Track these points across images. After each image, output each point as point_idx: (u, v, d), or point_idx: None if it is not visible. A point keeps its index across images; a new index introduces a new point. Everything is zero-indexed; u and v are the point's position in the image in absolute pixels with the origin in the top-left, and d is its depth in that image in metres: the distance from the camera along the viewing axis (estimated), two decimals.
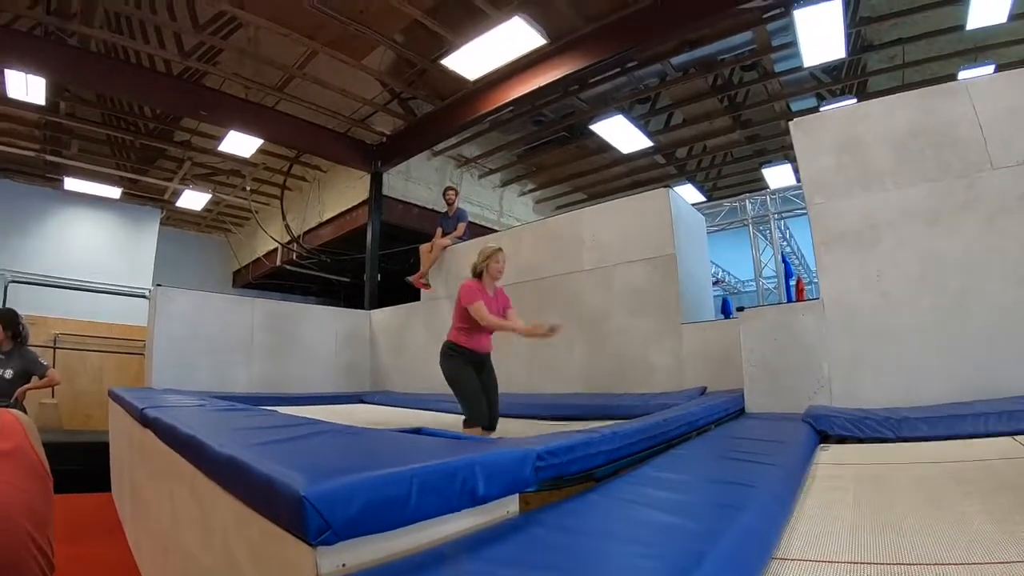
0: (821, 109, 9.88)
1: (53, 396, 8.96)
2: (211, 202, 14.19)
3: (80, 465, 5.66)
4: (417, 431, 2.25)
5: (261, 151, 11.38)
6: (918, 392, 3.77)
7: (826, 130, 4.54)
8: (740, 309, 4.89)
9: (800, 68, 8.99)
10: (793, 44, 7.94)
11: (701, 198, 14.04)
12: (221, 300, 7.74)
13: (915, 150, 4.09)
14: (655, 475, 2.10)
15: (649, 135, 11.05)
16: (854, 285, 4.19)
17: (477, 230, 8.83)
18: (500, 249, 4.40)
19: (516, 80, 8.44)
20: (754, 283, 13.80)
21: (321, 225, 13.37)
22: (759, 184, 13.85)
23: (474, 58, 7.56)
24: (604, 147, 11.70)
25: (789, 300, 11.53)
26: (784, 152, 12.38)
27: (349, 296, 15.06)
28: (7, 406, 4.73)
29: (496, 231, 11.62)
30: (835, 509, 1.91)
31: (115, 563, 3.34)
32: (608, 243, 6.25)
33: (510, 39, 7.12)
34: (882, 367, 4.01)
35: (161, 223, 14.54)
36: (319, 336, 8.39)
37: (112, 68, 8.51)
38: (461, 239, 8.01)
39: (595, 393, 5.81)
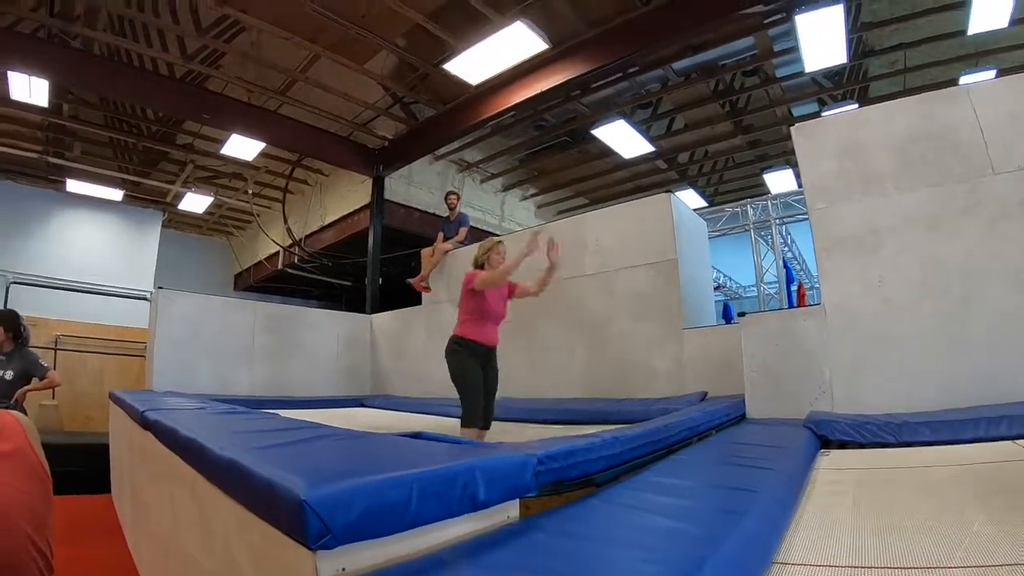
0: (823, 114, 9.86)
1: (54, 397, 8.96)
2: (213, 205, 14.22)
3: (80, 467, 5.66)
4: (416, 435, 2.24)
5: (263, 155, 11.39)
6: (919, 397, 3.76)
7: (828, 135, 4.54)
8: (741, 314, 4.88)
9: (802, 73, 8.99)
10: (795, 49, 7.95)
11: (703, 203, 14.06)
12: (222, 303, 7.74)
13: (916, 155, 4.09)
14: (656, 480, 2.10)
15: (651, 140, 11.06)
16: (855, 290, 4.19)
17: (478, 234, 8.82)
18: (501, 241, 4.49)
19: (518, 85, 8.45)
20: (755, 288, 13.82)
21: (323, 229, 13.39)
22: (760, 189, 13.86)
23: (476, 63, 7.56)
24: (606, 152, 11.71)
25: (790, 305, 11.53)
26: (786, 157, 12.37)
27: (350, 300, 15.08)
28: (7, 407, 4.73)
29: (498, 236, 11.62)
30: (836, 513, 1.90)
31: (115, 565, 3.34)
32: (610, 248, 6.25)
33: (512, 44, 7.12)
34: (883, 372, 4.00)
35: (163, 225, 14.56)
36: (320, 339, 8.39)
37: (115, 71, 8.54)
38: (463, 244, 8.01)
39: (596, 398, 5.80)
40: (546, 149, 12.45)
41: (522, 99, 8.49)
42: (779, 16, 7.54)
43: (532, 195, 15.11)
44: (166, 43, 8.50)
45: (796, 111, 10.88)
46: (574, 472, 2.02)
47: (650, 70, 9.42)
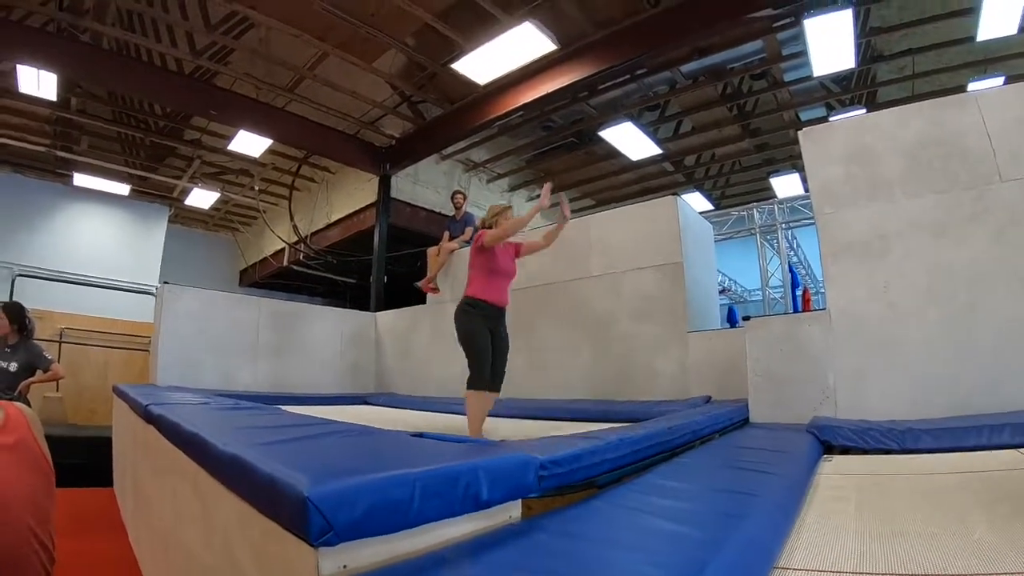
0: (830, 119, 9.85)
1: (58, 390, 9.00)
2: (219, 201, 14.27)
3: (83, 459, 5.68)
4: (419, 436, 2.24)
5: (270, 151, 11.42)
6: (924, 404, 3.75)
7: (835, 140, 4.52)
8: (746, 318, 4.87)
9: (810, 78, 8.97)
10: (803, 53, 7.93)
11: (709, 206, 14.04)
12: (227, 299, 7.75)
13: (924, 161, 4.08)
14: (659, 483, 2.09)
15: (658, 142, 11.05)
16: (861, 296, 4.17)
17: None
18: (510, 207, 4.48)
19: (526, 85, 8.46)
20: (760, 292, 13.79)
21: (329, 226, 13.41)
22: (767, 193, 13.83)
23: (484, 62, 7.57)
24: (613, 153, 11.70)
25: (795, 310, 11.50)
26: (792, 161, 12.37)
27: (355, 298, 15.10)
28: (11, 399, 4.75)
29: None
30: (838, 519, 1.89)
31: (116, 559, 3.34)
32: (616, 250, 6.24)
33: (520, 44, 7.12)
34: (888, 378, 3.99)
35: (169, 221, 14.61)
36: (324, 337, 8.40)
37: (124, 65, 8.56)
38: (468, 243, 8.00)
39: (599, 399, 5.79)
40: (553, 150, 12.46)
41: (530, 99, 8.50)
42: (788, 20, 7.53)
43: (538, 196, 15.08)
44: (175, 39, 8.52)
45: (804, 115, 10.87)
46: (577, 476, 2.01)
47: (658, 72, 9.42)
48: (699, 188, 13.97)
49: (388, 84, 9.66)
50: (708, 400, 5.00)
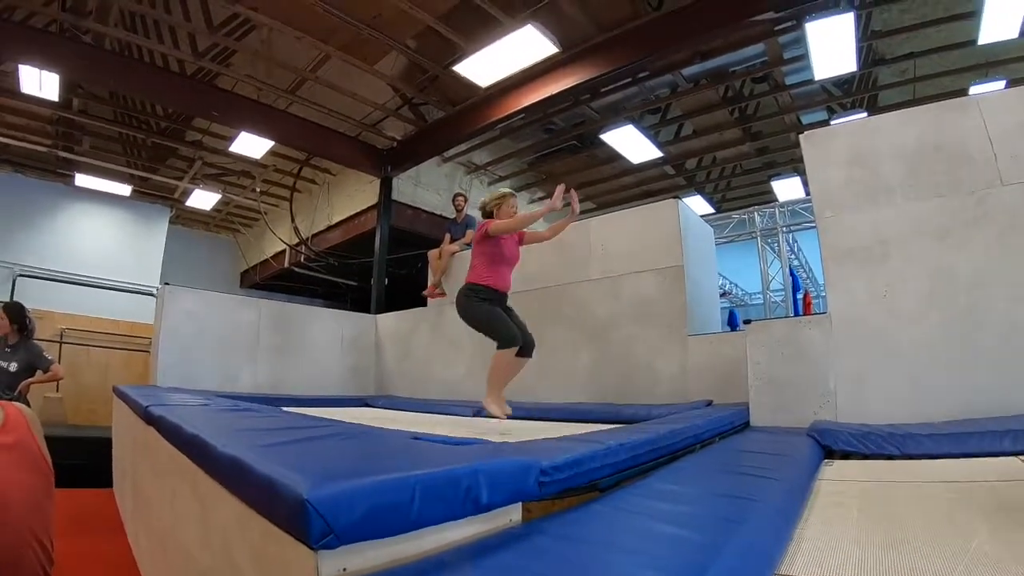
0: (831, 122, 9.87)
1: (58, 390, 9.00)
2: (220, 202, 14.28)
3: (83, 460, 5.67)
4: (419, 438, 2.24)
5: (272, 153, 11.43)
6: (924, 408, 3.74)
7: (836, 143, 4.52)
8: (747, 322, 4.86)
9: (811, 81, 8.99)
10: (804, 57, 7.95)
11: (710, 210, 14.05)
12: (228, 300, 7.75)
13: (925, 165, 4.07)
14: (659, 487, 2.09)
15: (659, 145, 11.07)
16: (862, 299, 4.17)
17: None
18: (513, 195, 4.46)
19: (527, 88, 8.47)
20: (761, 296, 13.78)
21: (330, 228, 13.42)
22: (768, 197, 13.85)
23: (486, 65, 7.58)
24: (614, 156, 11.72)
25: (796, 314, 11.49)
26: (793, 165, 12.39)
27: (356, 300, 15.11)
28: (11, 399, 4.75)
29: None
30: (839, 525, 1.89)
31: (115, 559, 3.34)
32: (616, 253, 6.24)
33: (522, 47, 7.14)
34: (888, 382, 3.98)
35: (170, 222, 14.65)
36: (325, 339, 8.40)
37: (126, 66, 8.58)
38: (469, 246, 7.99)
39: (599, 403, 5.79)
40: (555, 152, 12.47)
41: (531, 102, 8.51)
42: (789, 23, 7.55)
43: (540, 198, 15.11)
44: (177, 40, 8.55)
45: (805, 119, 10.88)
46: (578, 481, 2.01)
47: (660, 75, 9.43)
48: (700, 191, 13.99)
49: (390, 86, 9.67)
50: (709, 404, 4.99)
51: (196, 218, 16.34)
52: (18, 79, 8.22)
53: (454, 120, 9.91)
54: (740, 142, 11.91)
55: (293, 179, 13.48)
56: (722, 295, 13.16)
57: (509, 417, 4.24)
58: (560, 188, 4.16)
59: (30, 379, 5.19)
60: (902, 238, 4.08)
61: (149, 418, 2.84)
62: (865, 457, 3.26)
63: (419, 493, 1.31)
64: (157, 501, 2.75)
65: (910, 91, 9.73)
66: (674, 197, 6.22)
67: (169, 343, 6.61)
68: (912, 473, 2.76)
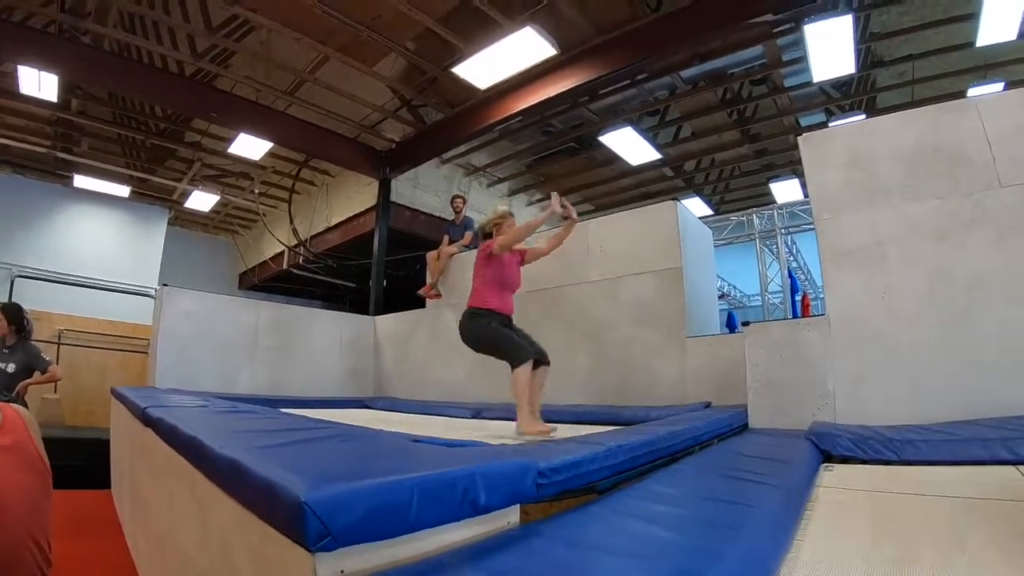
0: (830, 124, 9.88)
1: (56, 392, 8.99)
2: (219, 204, 14.27)
3: (81, 461, 5.66)
4: (417, 440, 2.24)
5: (270, 154, 11.43)
6: (923, 409, 3.74)
7: (834, 145, 4.52)
8: (746, 323, 4.86)
9: (809, 83, 9.00)
10: (803, 59, 7.95)
11: (708, 211, 14.04)
12: (226, 301, 7.75)
13: (923, 167, 4.08)
14: (658, 490, 2.08)
15: (658, 147, 11.07)
16: (860, 301, 4.17)
17: None
18: (512, 213, 4.35)
19: (526, 90, 8.47)
20: (760, 298, 13.79)
21: (328, 230, 13.41)
22: (766, 199, 13.87)
23: (485, 67, 7.58)
24: (612, 158, 11.71)
25: (795, 315, 11.50)
26: (792, 167, 12.39)
27: (354, 301, 15.11)
28: (9, 400, 4.75)
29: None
30: (837, 533, 1.88)
31: (112, 561, 3.34)
32: (615, 255, 6.24)
33: (521, 49, 7.14)
34: (887, 383, 3.98)
35: (169, 223, 14.62)
36: (324, 340, 8.39)
37: (125, 67, 8.57)
38: (467, 248, 8.00)
39: (598, 405, 5.78)
40: (553, 154, 12.47)
41: (530, 104, 8.51)
42: (788, 26, 7.55)
43: (538, 200, 15.12)
44: (176, 41, 8.54)
45: (803, 121, 10.89)
46: (576, 483, 2.01)
47: (658, 77, 9.44)
48: (699, 193, 13.99)
49: (388, 88, 9.67)
50: (708, 405, 4.99)
51: (195, 219, 16.32)
52: (17, 80, 8.21)
53: (453, 122, 9.91)
54: (739, 144, 11.91)
55: (292, 180, 13.47)
56: (720, 297, 13.19)
57: (553, 431, 3.90)
58: (556, 196, 4.10)
59: (28, 380, 5.18)
60: (900, 240, 4.09)
61: (147, 419, 2.84)
62: (864, 462, 3.26)
63: (417, 495, 1.31)
64: (155, 502, 2.75)
65: (909, 93, 9.74)
66: (673, 199, 6.23)
67: (167, 344, 6.61)
68: (910, 479, 2.75)
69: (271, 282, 16.16)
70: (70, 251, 12.45)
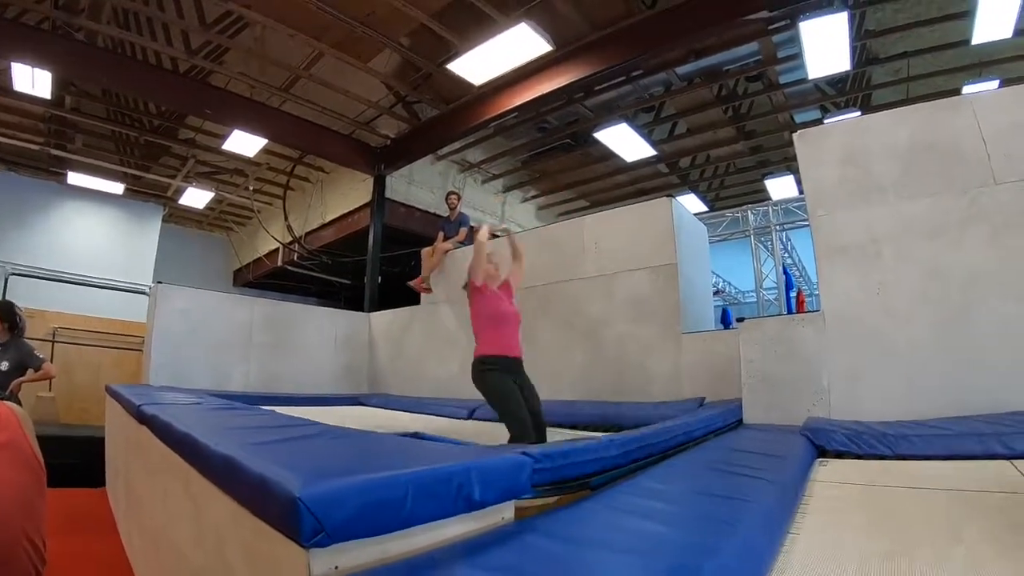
0: (825, 121, 9.89)
1: (50, 389, 8.94)
2: (214, 200, 14.22)
3: (75, 459, 5.64)
4: (415, 435, 2.24)
5: (265, 151, 11.39)
6: (917, 406, 3.75)
7: (829, 142, 4.53)
8: (740, 320, 4.87)
9: (805, 80, 9.00)
10: (798, 56, 7.95)
11: (703, 208, 14.04)
12: (221, 299, 7.73)
13: (918, 164, 4.09)
14: (652, 486, 2.09)
15: (653, 144, 11.06)
16: (855, 298, 4.18)
17: None
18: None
19: (521, 86, 8.46)
20: (755, 294, 13.80)
21: (323, 226, 13.39)
22: (761, 195, 13.88)
23: (480, 63, 7.55)
24: (608, 155, 11.70)
25: (789, 311, 11.52)
26: (787, 163, 12.39)
27: (349, 298, 15.07)
28: (2, 398, 4.73)
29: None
30: (832, 527, 1.89)
31: (107, 558, 3.33)
32: (610, 251, 6.24)
33: (516, 45, 7.11)
34: (882, 380, 3.99)
35: (163, 220, 14.55)
36: (318, 337, 8.38)
37: (119, 64, 8.53)
38: (462, 244, 8.00)
39: (593, 401, 5.78)
40: (548, 151, 12.45)
41: (525, 100, 8.50)
42: (783, 23, 7.56)
43: (533, 196, 15.12)
44: (170, 37, 8.50)
45: (798, 118, 10.90)
46: (569, 472, 2.01)
47: (653, 74, 9.43)
48: (694, 190, 13.98)
49: (383, 84, 9.65)
50: (702, 401, 5.00)
51: (189, 216, 16.29)
52: (10, 77, 8.16)
53: (447, 118, 9.89)
54: (734, 141, 11.92)
55: (286, 177, 13.44)
56: (715, 293, 13.21)
57: None
58: (485, 227, 4.30)
59: (21, 378, 5.16)
60: (895, 237, 4.10)
61: (141, 417, 2.84)
62: (858, 457, 3.27)
63: (411, 491, 1.32)
64: (150, 500, 2.74)
65: (903, 90, 9.75)
66: (668, 195, 6.23)
67: (162, 342, 6.60)
68: (904, 474, 2.77)
69: (266, 279, 16.13)
70: (64, 249, 12.38)
